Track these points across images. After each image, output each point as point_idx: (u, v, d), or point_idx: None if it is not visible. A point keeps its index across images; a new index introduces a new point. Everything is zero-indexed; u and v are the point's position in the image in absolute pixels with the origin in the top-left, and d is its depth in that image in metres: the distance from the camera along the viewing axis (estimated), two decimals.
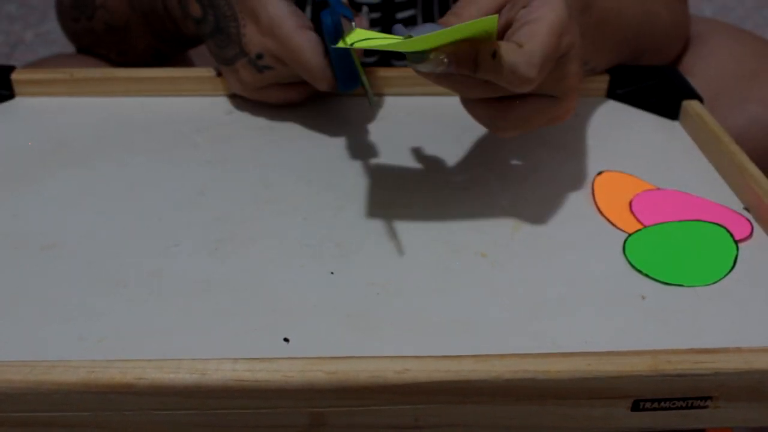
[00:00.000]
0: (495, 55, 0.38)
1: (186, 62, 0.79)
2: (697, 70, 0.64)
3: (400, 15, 0.69)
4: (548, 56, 0.39)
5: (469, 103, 0.44)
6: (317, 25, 0.51)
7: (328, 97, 0.59)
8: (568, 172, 0.51)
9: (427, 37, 0.37)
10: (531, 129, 0.44)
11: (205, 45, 0.56)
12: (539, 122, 0.44)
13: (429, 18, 0.69)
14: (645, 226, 0.45)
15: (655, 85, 0.58)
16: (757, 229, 0.45)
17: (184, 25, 0.61)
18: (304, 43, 0.49)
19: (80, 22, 0.69)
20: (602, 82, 0.59)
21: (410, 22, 0.69)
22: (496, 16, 0.38)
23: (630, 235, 0.45)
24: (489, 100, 0.43)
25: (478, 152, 0.53)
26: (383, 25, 0.69)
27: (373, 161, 0.52)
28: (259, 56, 0.51)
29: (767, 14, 1.85)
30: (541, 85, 0.41)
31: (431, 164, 0.52)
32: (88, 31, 0.69)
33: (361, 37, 0.43)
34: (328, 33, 0.48)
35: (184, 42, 0.68)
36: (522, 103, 0.43)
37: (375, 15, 0.70)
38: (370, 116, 0.57)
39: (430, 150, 0.53)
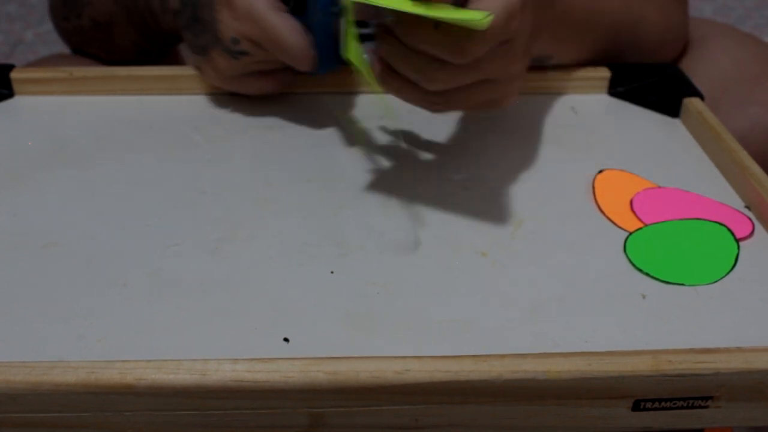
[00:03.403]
0: (437, 25, 0.40)
1: (177, 60, 0.78)
2: (699, 73, 0.64)
3: None
4: (494, 34, 0.41)
5: (396, 82, 0.45)
6: (303, 6, 0.50)
7: (328, 96, 0.59)
8: (569, 170, 0.51)
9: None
10: (466, 109, 0.46)
11: (184, 39, 0.56)
12: (476, 102, 0.45)
13: None
14: (646, 225, 0.45)
15: (656, 82, 0.58)
16: (758, 228, 0.45)
17: (163, 19, 0.61)
18: (281, 22, 0.49)
19: (70, 20, 0.69)
20: (603, 79, 0.59)
21: None
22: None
23: (631, 233, 0.45)
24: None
25: (479, 151, 0.53)
26: None
27: (373, 160, 0.52)
28: (235, 41, 0.51)
29: (767, 14, 1.85)
30: (482, 67, 0.43)
31: (431, 163, 0.52)
32: (77, 30, 0.69)
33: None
34: (324, 5, 0.48)
35: (166, 38, 0.68)
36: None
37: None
38: (371, 115, 0.57)
39: (430, 149, 0.53)
